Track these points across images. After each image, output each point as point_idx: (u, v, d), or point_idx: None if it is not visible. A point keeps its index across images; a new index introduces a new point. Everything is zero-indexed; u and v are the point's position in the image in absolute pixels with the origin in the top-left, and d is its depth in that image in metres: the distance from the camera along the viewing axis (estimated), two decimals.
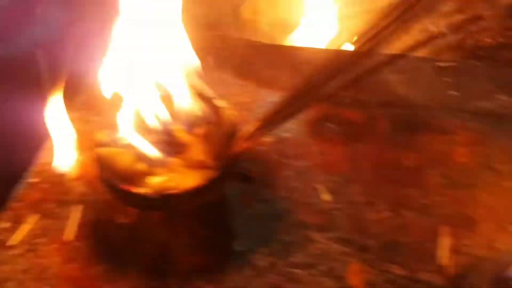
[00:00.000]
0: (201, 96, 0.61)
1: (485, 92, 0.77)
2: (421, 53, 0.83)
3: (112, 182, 0.55)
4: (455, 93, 0.77)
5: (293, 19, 1.11)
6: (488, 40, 1.02)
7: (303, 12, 1.09)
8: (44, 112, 0.61)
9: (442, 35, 0.68)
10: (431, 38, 0.56)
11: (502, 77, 0.80)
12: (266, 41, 0.93)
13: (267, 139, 0.71)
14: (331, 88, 0.56)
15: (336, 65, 0.55)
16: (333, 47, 1.03)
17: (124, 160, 0.56)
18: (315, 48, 0.93)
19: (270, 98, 0.80)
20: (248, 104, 0.79)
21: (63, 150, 0.62)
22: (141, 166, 0.56)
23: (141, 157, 0.57)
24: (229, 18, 1.13)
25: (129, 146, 0.57)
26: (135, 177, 0.56)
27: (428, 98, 0.76)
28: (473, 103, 0.76)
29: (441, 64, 0.81)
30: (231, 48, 0.89)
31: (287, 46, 1.02)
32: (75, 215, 0.63)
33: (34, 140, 0.71)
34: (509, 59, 0.99)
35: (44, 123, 0.62)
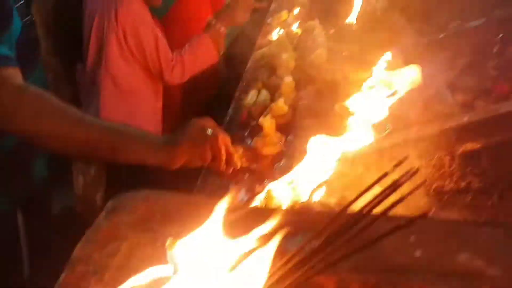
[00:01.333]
0: None
1: (448, 250, 0.81)
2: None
3: None
4: (419, 253, 0.81)
5: None
6: (451, 185, 1.09)
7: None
8: None
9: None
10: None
11: (463, 233, 0.84)
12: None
13: None
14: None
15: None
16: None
17: None
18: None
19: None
20: None
21: None
22: None
23: None
24: None
25: None
26: None
27: (396, 260, 0.80)
28: (439, 264, 0.79)
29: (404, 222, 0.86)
30: None
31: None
32: None
33: None
34: (472, 205, 1.05)
35: None
